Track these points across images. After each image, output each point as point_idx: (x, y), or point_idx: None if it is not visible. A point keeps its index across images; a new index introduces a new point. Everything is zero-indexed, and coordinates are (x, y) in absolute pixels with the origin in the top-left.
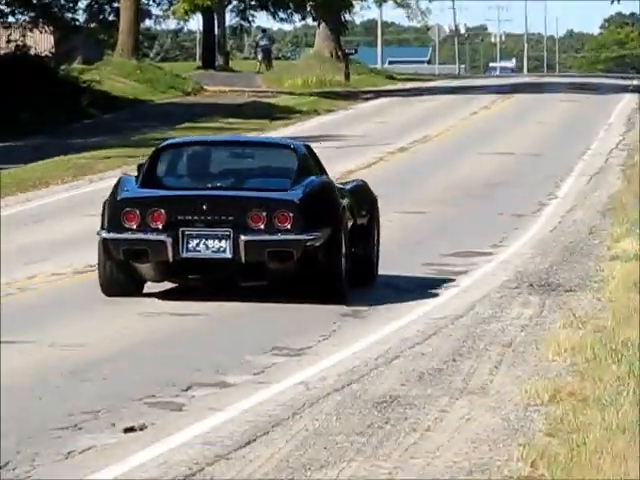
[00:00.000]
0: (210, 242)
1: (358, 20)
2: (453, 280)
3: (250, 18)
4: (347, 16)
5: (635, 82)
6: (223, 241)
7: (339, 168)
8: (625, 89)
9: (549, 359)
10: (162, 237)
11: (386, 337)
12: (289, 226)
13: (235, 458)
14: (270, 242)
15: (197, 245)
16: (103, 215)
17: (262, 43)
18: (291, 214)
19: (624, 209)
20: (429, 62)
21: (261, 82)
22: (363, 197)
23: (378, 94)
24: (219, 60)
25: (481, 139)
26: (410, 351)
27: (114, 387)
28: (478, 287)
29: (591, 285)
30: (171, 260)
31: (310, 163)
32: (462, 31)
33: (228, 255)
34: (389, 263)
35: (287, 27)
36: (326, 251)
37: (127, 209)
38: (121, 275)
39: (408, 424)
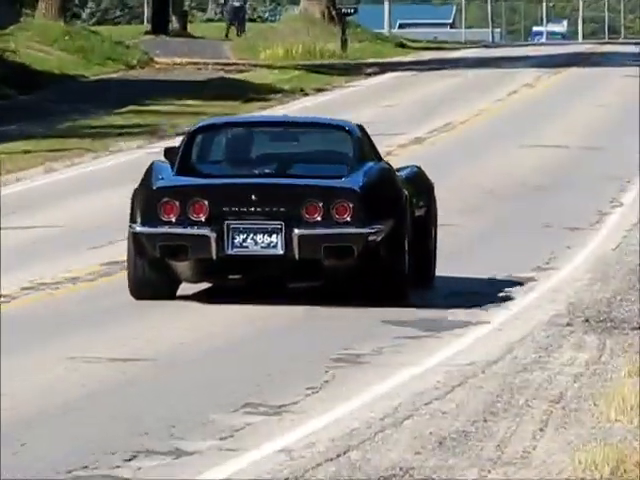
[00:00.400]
0: (259, 237)
1: None
2: (484, 314)
3: None
4: None
5: None
6: (274, 235)
7: None
8: None
9: (611, 419)
10: (205, 231)
11: (395, 390)
12: (349, 218)
13: None
14: (327, 236)
15: (244, 240)
16: (134, 207)
17: (231, 0)
18: (351, 205)
19: None
20: (452, 25)
21: (230, 52)
22: (420, 185)
23: (385, 68)
24: (174, 23)
25: (522, 127)
26: (427, 408)
27: (34, 456)
28: (517, 324)
29: None
30: (214, 257)
31: (366, 147)
32: None
33: (279, 251)
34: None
35: None
36: (389, 246)
37: (165, 200)
38: (154, 275)
39: None
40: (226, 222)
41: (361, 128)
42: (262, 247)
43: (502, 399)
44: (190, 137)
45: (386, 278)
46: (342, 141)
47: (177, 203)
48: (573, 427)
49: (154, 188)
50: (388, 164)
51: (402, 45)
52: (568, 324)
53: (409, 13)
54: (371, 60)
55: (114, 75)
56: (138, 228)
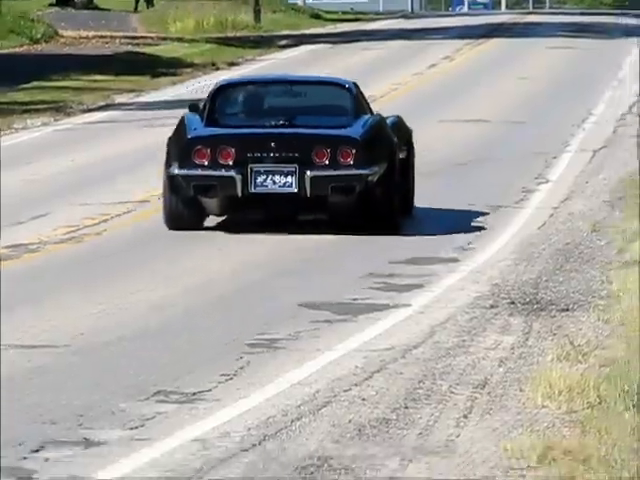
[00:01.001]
0: (277, 178)
1: None
2: (404, 297)
3: None
4: None
5: None
6: (289, 177)
7: None
8: None
9: (538, 405)
10: (232, 173)
11: (312, 376)
12: (351, 162)
13: None
14: (334, 177)
15: (264, 181)
16: (170, 153)
17: None
18: (353, 150)
19: None
20: None
21: (138, 24)
22: (402, 132)
23: (300, 40)
24: None
25: (443, 102)
26: (345, 395)
27: None
28: (439, 306)
29: (595, 302)
30: (239, 195)
31: (362, 101)
32: None
33: (294, 190)
34: (316, 273)
35: None
36: (383, 184)
37: (198, 147)
38: (186, 209)
39: None
40: (249, 165)
41: (356, 85)
42: (279, 186)
43: (424, 385)
44: (214, 93)
45: (381, 210)
46: (342, 96)
47: (208, 150)
48: (498, 413)
49: (189, 137)
50: (380, 115)
51: (317, 16)
52: (492, 306)
53: None
54: (285, 32)
55: (18, 49)
56: (175, 171)
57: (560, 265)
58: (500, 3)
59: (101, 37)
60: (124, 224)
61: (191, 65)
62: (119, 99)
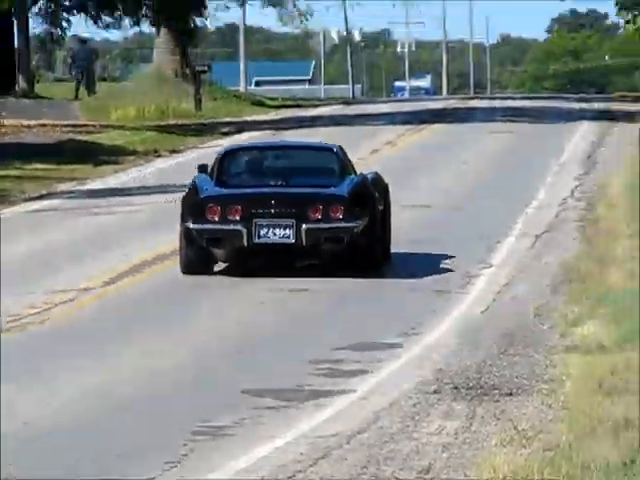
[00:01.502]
0: (277, 230)
1: (213, 25)
2: (349, 383)
3: (64, 24)
4: (197, 20)
5: (596, 105)
6: (288, 229)
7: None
8: (582, 115)
9: None
10: (239, 227)
11: (256, 463)
12: (341, 216)
13: None
14: (326, 229)
15: (267, 233)
16: (184, 209)
17: (80, 58)
18: (342, 207)
19: (583, 281)
20: (311, 81)
21: (80, 112)
22: (380, 187)
23: (242, 126)
24: (20, 83)
25: None
26: None
27: None
28: (383, 392)
29: (539, 387)
30: (245, 245)
31: (347, 163)
32: (357, 38)
33: (292, 240)
34: (261, 361)
35: (115, 36)
36: (366, 234)
37: (210, 205)
38: (200, 258)
39: None
40: (253, 220)
41: (342, 149)
42: (279, 237)
43: (368, 471)
44: (222, 158)
45: (363, 257)
46: (330, 159)
47: (219, 207)
48: None
49: (201, 197)
50: (362, 174)
51: (260, 103)
52: (436, 391)
53: (267, 70)
54: (227, 119)
55: None
56: (190, 225)
57: (504, 349)
58: (442, 88)
59: (42, 125)
60: (67, 313)
61: (133, 153)
62: (61, 187)
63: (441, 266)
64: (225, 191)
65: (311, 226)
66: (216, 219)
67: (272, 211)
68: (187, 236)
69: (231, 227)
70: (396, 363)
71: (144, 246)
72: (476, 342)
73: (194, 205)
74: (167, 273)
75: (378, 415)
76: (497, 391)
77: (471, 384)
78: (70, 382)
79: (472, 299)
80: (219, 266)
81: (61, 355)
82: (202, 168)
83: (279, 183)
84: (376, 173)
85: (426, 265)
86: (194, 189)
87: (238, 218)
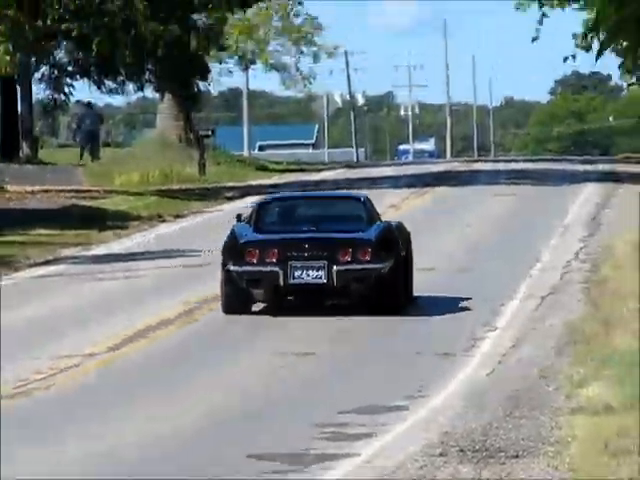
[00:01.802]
0: (310, 272)
1: (216, 89)
2: (354, 446)
3: (67, 90)
4: (201, 85)
5: (600, 167)
6: (320, 271)
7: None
8: (586, 177)
9: None
10: (276, 269)
11: None
12: (368, 258)
13: None
14: (355, 271)
15: (301, 274)
16: (225, 254)
17: (86, 123)
18: (369, 250)
19: (588, 343)
20: (315, 146)
21: (84, 178)
22: (403, 234)
23: (246, 191)
24: (24, 149)
25: None
26: None
27: None
28: (389, 455)
29: (545, 449)
30: (281, 285)
31: (373, 211)
32: (360, 102)
33: (324, 281)
34: (267, 425)
35: (118, 101)
36: (391, 276)
37: (249, 249)
38: (239, 297)
39: None
40: (289, 262)
41: (368, 199)
42: (312, 278)
43: None
44: (259, 207)
45: (388, 297)
46: (358, 207)
47: (257, 251)
48: None
49: (241, 242)
50: (387, 221)
51: (264, 168)
52: (441, 454)
53: (270, 134)
54: (231, 184)
55: None
56: (231, 267)
57: (509, 412)
58: (445, 151)
59: (46, 191)
60: (73, 378)
61: (137, 218)
62: (65, 253)
63: (446, 329)
64: (262, 237)
65: (341, 268)
66: (254, 262)
67: (305, 254)
68: (228, 278)
69: (268, 269)
70: (402, 426)
71: (148, 311)
72: (482, 404)
73: (234, 249)
74: (172, 338)
75: (383, 478)
76: (503, 453)
77: (477, 446)
78: (76, 447)
79: (477, 362)
80: (257, 306)
81: (67, 420)
82: (239, 217)
83: (311, 229)
84: (400, 222)
85: (431, 328)
86: (233, 236)
87: (275, 261)
